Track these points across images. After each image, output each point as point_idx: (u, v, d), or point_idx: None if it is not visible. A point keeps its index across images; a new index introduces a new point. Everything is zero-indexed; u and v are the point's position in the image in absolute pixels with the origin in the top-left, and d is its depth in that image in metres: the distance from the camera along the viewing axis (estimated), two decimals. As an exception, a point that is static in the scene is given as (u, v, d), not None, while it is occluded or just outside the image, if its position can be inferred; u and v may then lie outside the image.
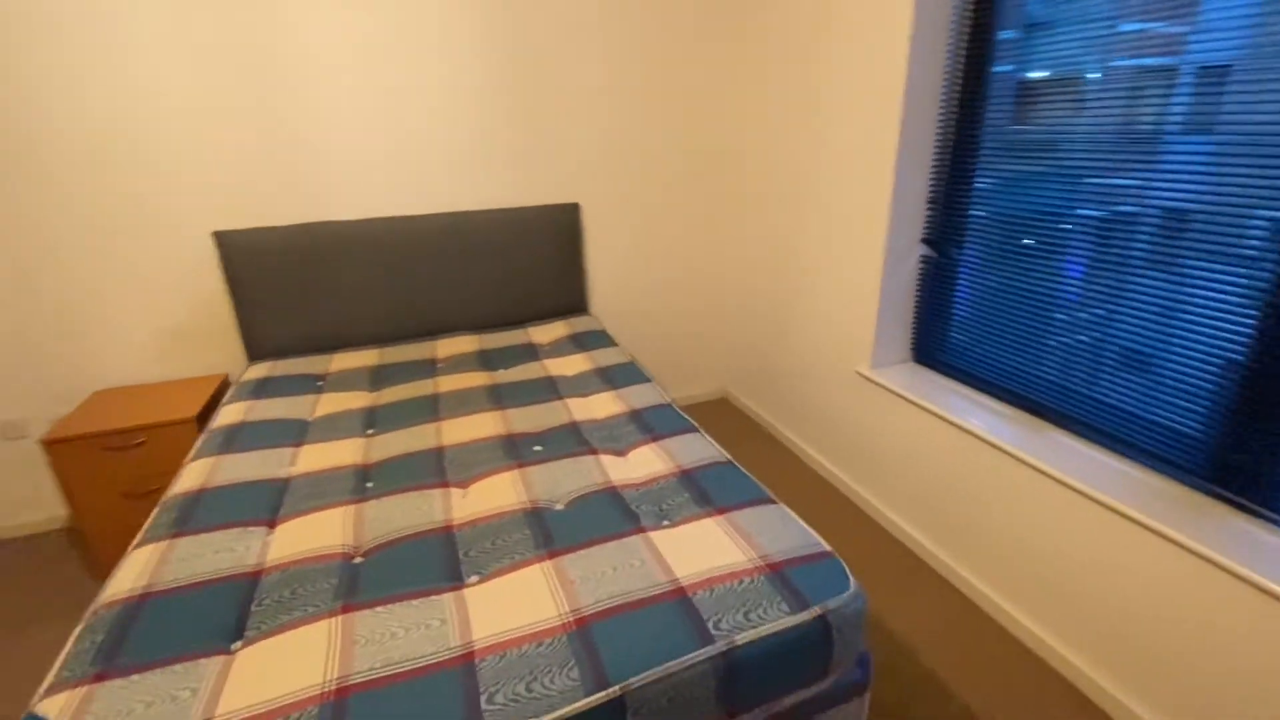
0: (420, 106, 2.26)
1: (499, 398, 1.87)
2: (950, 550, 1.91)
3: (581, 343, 2.30)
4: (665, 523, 1.28)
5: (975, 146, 1.77)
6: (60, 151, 1.94)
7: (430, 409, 1.82)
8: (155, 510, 1.37)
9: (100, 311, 2.12)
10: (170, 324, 2.22)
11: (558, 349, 2.27)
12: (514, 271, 2.51)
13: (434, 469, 1.50)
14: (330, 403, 1.91)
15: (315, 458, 1.59)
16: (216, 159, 2.08)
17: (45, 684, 0.93)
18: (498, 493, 1.39)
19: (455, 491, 1.43)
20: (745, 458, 2.64)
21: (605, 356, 2.16)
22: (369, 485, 1.47)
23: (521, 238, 2.48)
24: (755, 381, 2.94)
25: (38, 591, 1.96)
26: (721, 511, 1.29)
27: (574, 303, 2.66)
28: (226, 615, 1.06)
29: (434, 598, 1.08)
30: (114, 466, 1.90)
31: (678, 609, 1.04)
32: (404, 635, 1.00)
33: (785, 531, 1.22)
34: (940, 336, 2.02)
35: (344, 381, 2.05)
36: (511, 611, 1.04)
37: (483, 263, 2.45)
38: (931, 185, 1.94)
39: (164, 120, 2.00)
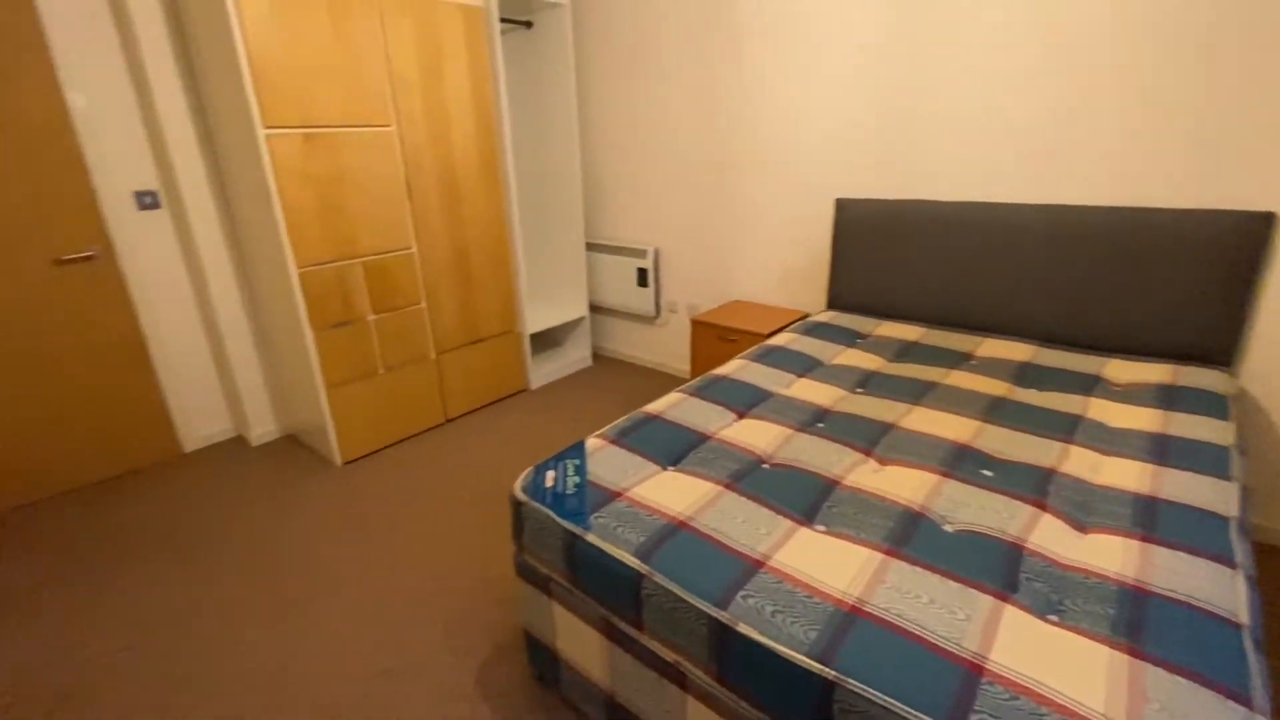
0: (1050, 74, 2.03)
1: (993, 411, 1.69)
2: None
3: (1172, 398, 1.71)
4: (1051, 616, 1.00)
5: None
6: (751, 130, 2.76)
7: (918, 392, 1.83)
8: (699, 378, 2.01)
9: (752, 246, 2.99)
10: (789, 264, 2.90)
11: (1130, 394, 1.77)
12: (1121, 287, 2.02)
13: (870, 437, 1.58)
14: (851, 357, 2.16)
15: (803, 389, 1.91)
16: (849, 136, 2.52)
17: (598, 431, 1.65)
18: (902, 482, 1.37)
19: (871, 462, 1.48)
20: None
21: (1189, 425, 1.56)
22: (819, 425, 1.69)
23: (1151, 248, 1.95)
24: None
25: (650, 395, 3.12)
26: (1137, 653, 0.90)
27: (1208, 348, 1.93)
28: (675, 449, 1.55)
29: (780, 518, 1.26)
30: (718, 347, 2.76)
31: (956, 675, 0.88)
32: (734, 519, 1.24)
33: (1221, 743, 0.77)
34: None
35: (876, 346, 2.25)
36: (813, 563, 1.12)
37: (1080, 268, 2.08)
38: None
39: (812, 104, 2.54)
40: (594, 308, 3.89)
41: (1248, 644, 0.93)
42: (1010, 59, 2.11)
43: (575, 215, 3.50)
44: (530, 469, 1.47)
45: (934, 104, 2.30)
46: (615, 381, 3.50)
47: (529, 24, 3.31)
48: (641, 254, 3.46)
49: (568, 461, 1.47)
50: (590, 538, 1.24)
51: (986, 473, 1.42)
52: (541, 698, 1.55)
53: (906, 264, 2.44)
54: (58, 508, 2.45)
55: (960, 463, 1.45)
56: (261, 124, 2.20)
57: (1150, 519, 1.21)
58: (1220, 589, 1.03)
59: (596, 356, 3.92)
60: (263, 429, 2.94)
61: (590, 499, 1.33)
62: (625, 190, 3.47)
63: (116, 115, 2.45)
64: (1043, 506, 1.28)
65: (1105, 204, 2.05)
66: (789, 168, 2.75)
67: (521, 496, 1.38)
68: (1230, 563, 1.10)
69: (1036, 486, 1.35)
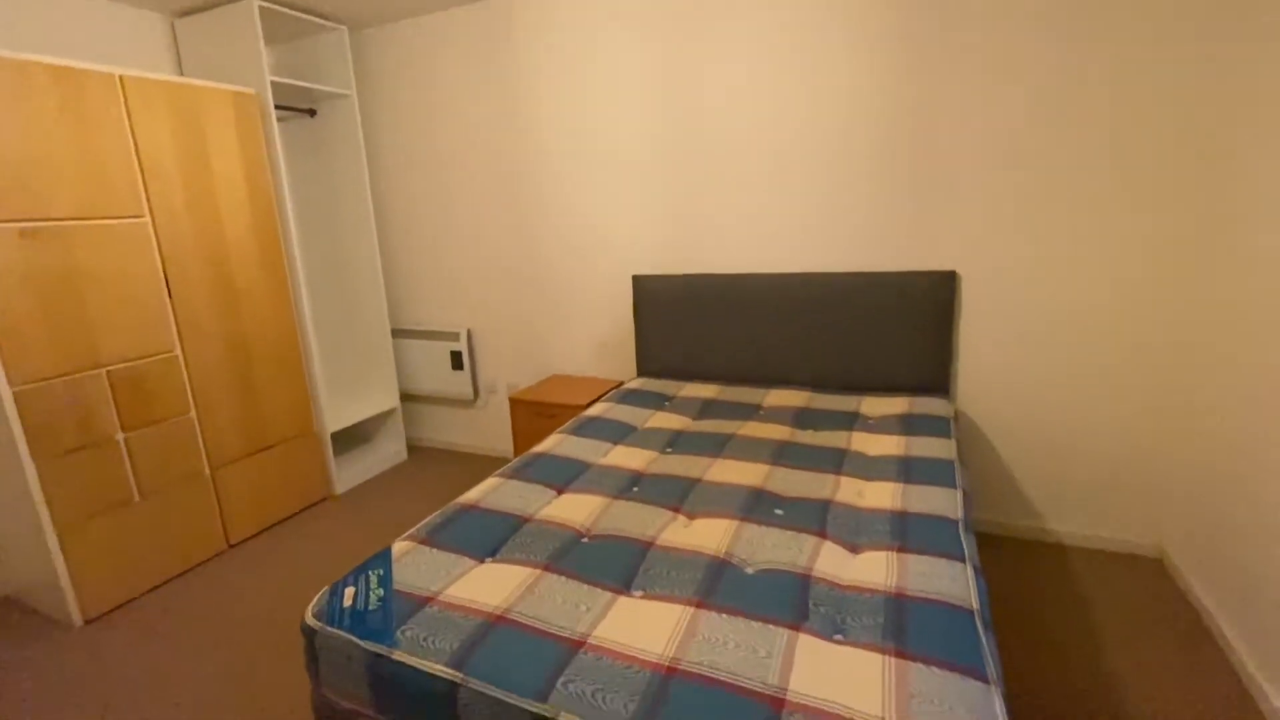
0: (798, 169, 2.47)
1: (779, 455, 1.90)
2: None
3: (910, 425, 2.07)
4: (836, 636, 1.12)
5: None
6: (552, 210, 2.94)
7: (718, 446, 1.99)
8: (518, 458, 1.98)
9: (566, 324, 3.10)
10: (601, 338, 3.05)
11: (881, 425, 2.11)
12: (866, 337, 2.43)
13: (680, 495, 1.68)
14: (660, 419, 2.30)
15: (619, 456, 1.98)
16: (642, 221, 2.78)
17: (407, 533, 1.54)
18: (709, 534, 1.46)
19: (681, 519, 1.57)
20: (1145, 658, 1.84)
21: (924, 446, 1.89)
22: (635, 489, 1.75)
23: (882, 304, 2.38)
24: (1205, 551, 2.00)
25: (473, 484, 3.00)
26: (903, 654, 1.05)
27: (931, 381, 2.38)
28: (492, 539, 1.50)
29: (599, 591, 1.27)
30: (539, 424, 2.76)
31: (763, 713, 0.94)
32: (554, 602, 1.22)
33: (962, 717, 0.91)
34: None
35: (681, 406, 2.42)
36: (631, 631, 1.14)
37: (836, 324, 2.46)
38: None
39: (608, 188, 2.80)
40: (407, 397, 3.68)
41: (979, 625, 1.12)
42: (765, 151, 2.52)
43: (378, 302, 3.34)
44: (324, 590, 1.32)
45: (709, 191, 2.64)
46: (434, 474, 3.30)
47: (312, 112, 3.20)
48: (454, 336, 3.38)
49: (370, 573, 1.34)
50: (397, 655, 1.13)
51: (779, 512, 1.57)
52: None
53: (701, 330, 2.70)
54: None
55: (756, 506, 1.59)
56: (-48, 220, 1.82)
57: (903, 531, 1.43)
58: (956, 583, 1.24)
59: (413, 449, 3.68)
60: (-42, 599, 2.27)
61: (398, 611, 1.22)
62: (432, 274, 3.41)
63: None
64: (823, 535, 1.45)
65: (846, 269, 2.48)
66: (591, 248, 2.94)
67: (313, 623, 1.23)
68: (960, 557, 1.33)
69: (818, 518, 1.53)
